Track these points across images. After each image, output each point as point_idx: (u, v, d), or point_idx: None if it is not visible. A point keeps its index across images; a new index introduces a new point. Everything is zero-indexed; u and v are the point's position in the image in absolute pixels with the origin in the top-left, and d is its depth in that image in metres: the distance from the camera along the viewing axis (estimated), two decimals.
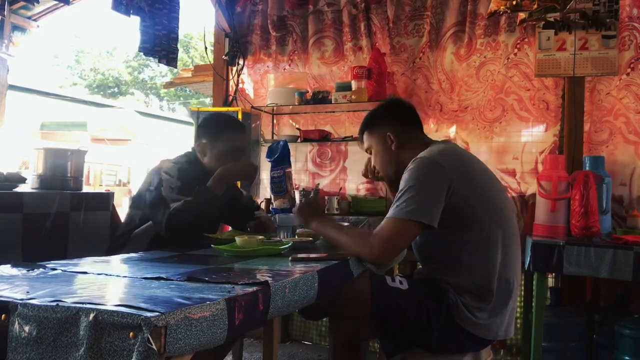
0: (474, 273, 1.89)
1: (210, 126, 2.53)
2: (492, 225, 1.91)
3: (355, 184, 4.02)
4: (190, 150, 2.60)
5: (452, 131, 3.70)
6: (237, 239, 2.02)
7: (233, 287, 1.26)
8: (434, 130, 3.73)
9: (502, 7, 2.99)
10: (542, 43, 3.20)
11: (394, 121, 2.16)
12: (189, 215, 2.22)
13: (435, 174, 1.87)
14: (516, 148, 3.55)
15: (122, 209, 3.36)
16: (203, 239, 2.21)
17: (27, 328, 1.02)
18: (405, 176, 1.90)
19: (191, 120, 4.20)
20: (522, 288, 3.18)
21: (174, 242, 2.21)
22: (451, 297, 1.88)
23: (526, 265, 2.65)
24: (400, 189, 1.89)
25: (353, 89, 3.71)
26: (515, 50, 3.53)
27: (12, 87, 6.72)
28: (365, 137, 2.25)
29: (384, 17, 3.88)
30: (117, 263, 1.72)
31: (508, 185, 3.51)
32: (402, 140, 2.12)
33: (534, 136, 3.52)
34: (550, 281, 3.21)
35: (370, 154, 2.26)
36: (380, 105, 2.30)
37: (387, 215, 1.87)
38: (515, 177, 3.52)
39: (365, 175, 2.41)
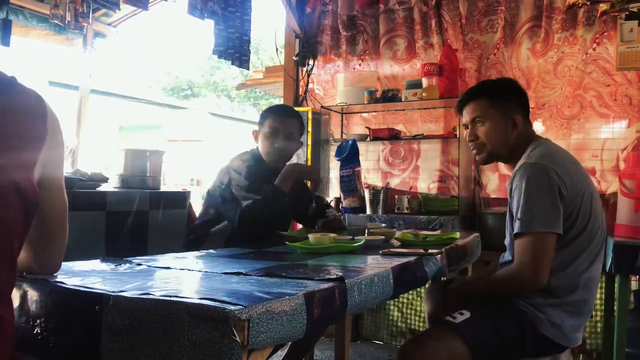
0: (572, 281, 1.86)
1: (260, 115, 2.68)
2: (598, 230, 1.89)
3: (426, 183, 3.98)
4: (254, 147, 2.68)
5: None
6: (310, 236, 2.06)
7: (309, 282, 1.28)
8: None
9: (580, 0, 2.88)
10: (625, 35, 3.05)
11: (523, 108, 2.07)
12: (259, 212, 2.31)
13: (549, 179, 1.81)
14: (595, 145, 3.43)
15: (196, 207, 3.46)
16: (273, 234, 2.32)
17: (119, 319, 1.07)
18: (520, 184, 1.85)
19: None
20: (603, 291, 3.05)
21: (247, 237, 2.31)
22: (529, 314, 1.84)
23: (607, 267, 2.54)
24: (519, 198, 1.84)
25: (424, 86, 3.68)
26: (594, 45, 3.40)
27: (93, 92, 7.03)
28: (477, 105, 2.07)
29: (456, 13, 3.83)
30: (196, 259, 1.78)
31: None
32: (522, 129, 2.03)
33: (615, 133, 3.38)
34: (634, 284, 3.07)
35: (472, 122, 2.08)
36: (510, 84, 2.15)
37: (515, 230, 1.83)
38: (594, 175, 3.39)
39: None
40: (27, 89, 1.17)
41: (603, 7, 2.98)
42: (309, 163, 3.95)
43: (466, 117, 2.11)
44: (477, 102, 2.07)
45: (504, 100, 2.05)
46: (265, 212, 2.32)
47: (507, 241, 2.06)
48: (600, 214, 1.96)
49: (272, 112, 2.62)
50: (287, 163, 2.58)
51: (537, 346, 1.84)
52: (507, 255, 2.07)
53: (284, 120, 2.58)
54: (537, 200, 1.79)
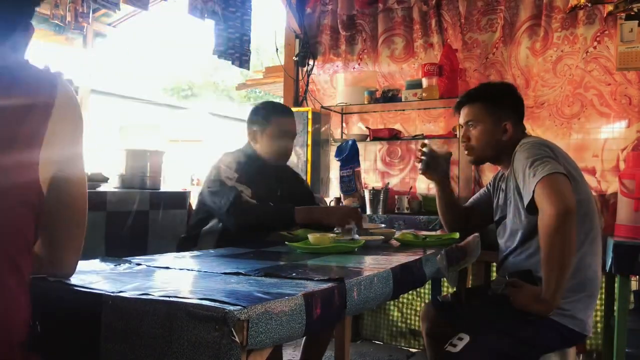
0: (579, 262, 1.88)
1: (259, 113, 2.60)
2: (593, 216, 1.94)
3: (426, 183, 3.97)
4: (245, 144, 2.65)
5: (527, 128, 3.60)
6: (309, 236, 2.06)
7: (308, 282, 1.28)
8: None
9: (582, 1, 2.88)
10: (625, 35, 3.05)
11: (515, 114, 2.15)
12: (257, 216, 2.30)
13: (547, 147, 1.92)
14: (596, 145, 3.42)
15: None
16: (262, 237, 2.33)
17: (117, 319, 1.07)
18: (521, 157, 1.91)
19: None
20: (603, 291, 3.05)
21: (238, 229, 2.29)
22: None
23: (607, 267, 2.55)
24: (523, 166, 1.88)
25: (424, 86, 3.67)
26: (595, 44, 3.39)
27: (93, 92, 7.04)
28: (472, 109, 2.16)
29: (456, 12, 3.83)
30: (196, 259, 1.78)
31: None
32: (513, 134, 2.11)
33: (615, 132, 3.37)
34: (634, 284, 3.06)
35: (466, 125, 2.18)
36: (506, 90, 2.23)
37: (531, 188, 1.80)
38: (595, 175, 3.39)
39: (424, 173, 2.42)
40: (36, 78, 1.10)
41: (609, 7, 2.97)
42: (309, 163, 3.95)
43: (461, 118, 2.22)
44: (472, 106, 2.17)
45: (497, 106, 2.14)
46: (264, 220, 2.31)
47: (509, 222, 2.09)
48: (594, 200, 2.02)
49: (278, 113, 2.58)
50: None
51: (552, 338, 1.85)
52: (508, 244, 2.12)
53: (291, 122, 2.61)
54: (540, 159, 1.83)
